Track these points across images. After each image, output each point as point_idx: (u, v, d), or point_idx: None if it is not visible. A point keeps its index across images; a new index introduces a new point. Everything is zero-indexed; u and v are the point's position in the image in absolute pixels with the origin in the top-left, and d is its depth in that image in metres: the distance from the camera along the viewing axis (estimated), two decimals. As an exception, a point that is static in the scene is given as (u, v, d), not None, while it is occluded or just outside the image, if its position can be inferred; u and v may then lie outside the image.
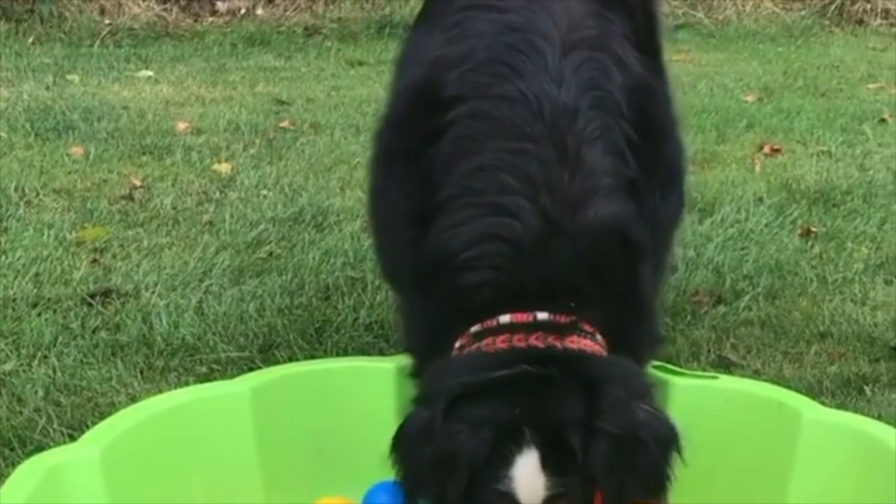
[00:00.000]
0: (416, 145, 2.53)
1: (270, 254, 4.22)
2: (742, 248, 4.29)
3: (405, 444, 2.25)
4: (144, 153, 5.43)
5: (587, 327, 2.27)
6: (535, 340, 2.25)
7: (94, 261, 4.13)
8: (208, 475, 2.39)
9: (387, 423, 2.52)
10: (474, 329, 2.31)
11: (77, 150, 5.40)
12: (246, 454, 2.44)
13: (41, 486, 2.09)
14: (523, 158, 2.37)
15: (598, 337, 2.28)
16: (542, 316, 2.26)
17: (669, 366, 2.60)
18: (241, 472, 2.42)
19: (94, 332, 3.56)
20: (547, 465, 2.13)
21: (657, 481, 2.19)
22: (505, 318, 2.28)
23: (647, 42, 2.74)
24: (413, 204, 2.52)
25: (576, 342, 2.24)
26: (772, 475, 2.37)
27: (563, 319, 2.26)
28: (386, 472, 2.43)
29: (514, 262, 2.30)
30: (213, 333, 3.54)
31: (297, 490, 2.47)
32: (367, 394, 2.55)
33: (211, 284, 3.91)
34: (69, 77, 7.02)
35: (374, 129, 2.97)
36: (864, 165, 5.40)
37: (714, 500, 2.28)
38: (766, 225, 4.54)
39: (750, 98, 6.84)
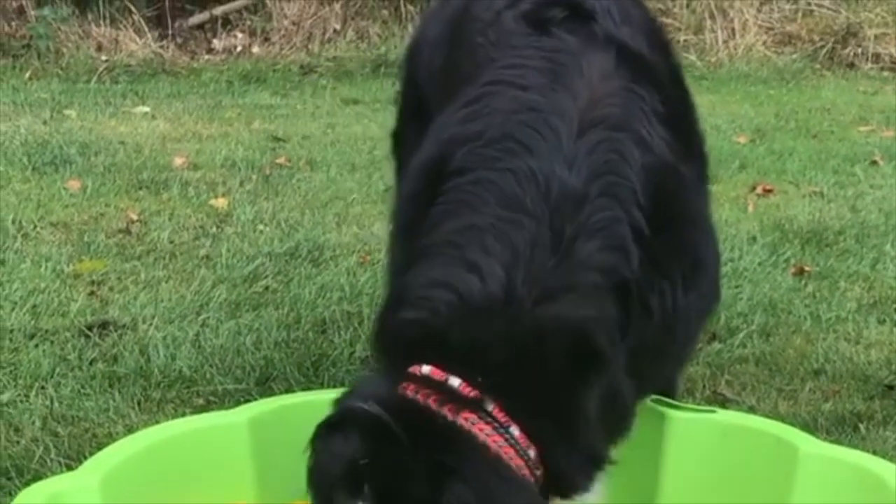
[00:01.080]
0: (417, 218, 2.45)
1: (267, 288, 4.24)
2: (736, 287, 4.32)
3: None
4: (141, 188, 5.46)
5: (498, 414, 2.12)
6: (431, 402, 2.11)
7: (92, 293, 4.15)
8: (206, 500, 2.40)
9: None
10: (402, 371, 2.18)
11: (74, 184, 5.42)
12: (243, 484, 2.44)
13: (43, 512, 2.10)
14: (515, 230, 2.26)
15: (513, 430, 2.13)
16: (454, 382, 2.14)
17: (667, 399, 2.61)
18: (238, 498, 2.43)
19: (91, 363, 3.57)
20: None
21: None
22: (426, 370, 2.16)
23: (677, 115, 2.58)
24: (407, 249, 2.47)
25: (468, 421, 2.11)
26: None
27: (470, 393, 2.13)
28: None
29: (454, 315, 2.18)
30: (210, 366, 3.55)
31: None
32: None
33: (208, 317, 3.93)
34: (66, 112, 7.06)
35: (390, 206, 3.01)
36: (856, 206, 5.44)
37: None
38: (759, 264, 4.57)
39: (742, 139, 6.90)
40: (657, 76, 2.61)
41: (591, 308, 2.23)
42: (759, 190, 5.74)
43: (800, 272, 4.51)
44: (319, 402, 2.61)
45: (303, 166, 5.93)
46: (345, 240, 4.76)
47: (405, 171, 2.84)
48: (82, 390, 3.40)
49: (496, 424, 2.11)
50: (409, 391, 2.13)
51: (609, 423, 2.27)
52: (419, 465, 2.04)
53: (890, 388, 3.54)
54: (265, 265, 4.44)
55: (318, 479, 2.12)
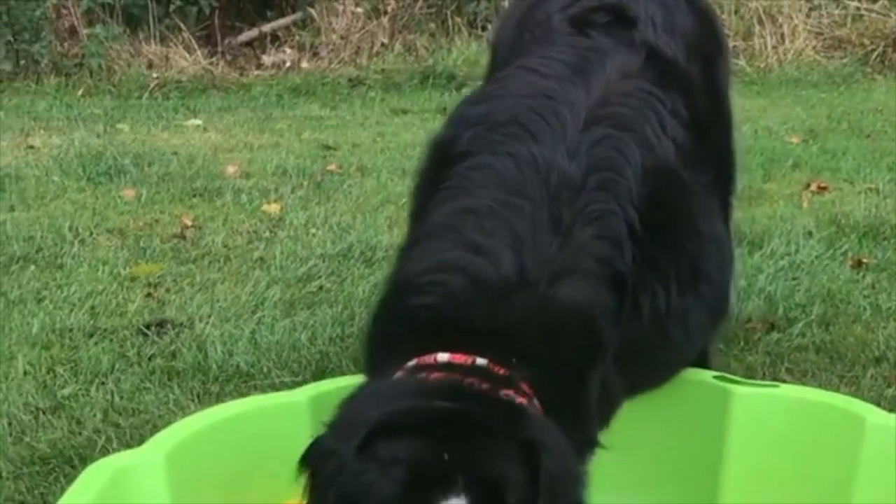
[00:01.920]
0: (423, 199, 2.49)
1: (321, 287, 4.25)
2: (793, 279, 4.28)
3: (311, 477, 2.07)
4: (195, 195, 5.50)
5: (525, 388, 2.11)
6: (471, 384, 2.06)
7: (149, 294, 4.18)
8: (268, 481, 2.39)
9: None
10: (410, 364, 2.15)
11: (129, 193, 5.47)
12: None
13: (106, 488, 2.11)
14: (515, 213, 2.27)
15: (536, 403, 2.11)
16: (482, 362, 2.10)
17: (728, 375, 2.59)
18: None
19: (150, 359, 3.60)
20: None
21: None
22: (443, 357, 2.12)
23: (701, 124, 2.61)
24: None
25: (510, 396, 2.08)
26: (835, 481, 2.35)
27: (501, 371, 2.10)
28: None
29: (471, 298, 2.16)
30: (267, 360, 3.57)
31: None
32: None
33: (263, 316, 3.95)
34: (119, 126, 7.13)
35: None
36: (912, 202, 5.38)
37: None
38: (816, 257, 4.52)
39: (794, 140, 6.84)
40: (686, 83, 2.65)
41: (594, 293, 2.23)
42: (813, 187, 5.68)
43: (857, 264, 4.46)
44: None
45: (353, 172, 5.95)
46: (397, 241, 4.72)
47: None
48: (142, 384, 3.42)
49: (529, 399, 2.10)
50: (442, 376, 2.08)
51: (599, 411, 2.27)
52: (504, 445, 1.98)
53: (952, 373, 3.49)
54: (318, 266, 4.45)
55: (391, 493, 1.93)
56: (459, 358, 2.11)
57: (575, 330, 2.19)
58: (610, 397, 2.31)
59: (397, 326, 2.25)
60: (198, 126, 7.20)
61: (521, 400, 2.08)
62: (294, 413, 2.46)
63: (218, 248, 4.70)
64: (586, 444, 2.23)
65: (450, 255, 2.24)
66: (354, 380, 2.72)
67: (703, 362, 2.70)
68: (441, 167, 2.47)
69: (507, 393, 2.08)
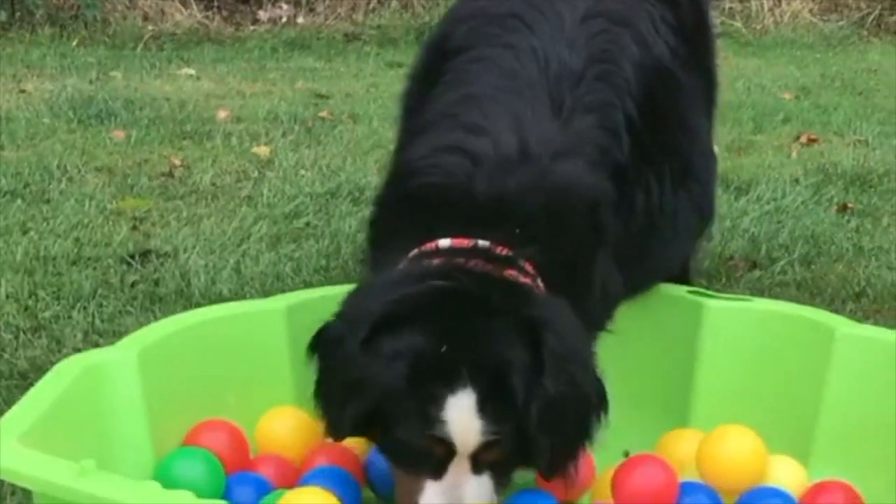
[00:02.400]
0: (418, 95, 2.50)
1: (307, 224, 4.26)
2: (778, 222, 4.29)
3: (320, 361, 2.11)
4: (185, 138, 5.50)
5: (528, 267, 2.10)
6: (473, 266, 2.07)
7: (134, 227, 4.19)
8: (242, 385, 2.41)
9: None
10: (413, 253, 2.14)
11: (119, 134, 5.47)
12: (280, 368, 2.45)
13: (77, 382, 2.12)
14: (515, 97, 2.27)
15: (540, 283, 2.11)
16: (484, 244, 2.10)
17: (702, 290, 2.60)
18: (274, 384, 2.44)
19: (132, 286, 3.61)
20: (485, 408, 1.96)
21: (582, 440, 2.06)
22: (445, 242, 2.12)
23: (689, 33, 2.64)
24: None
25: (514, 276, 2.08)
26: (806, 391, 2.37)
27: (503, 251, 2.10)
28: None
29: (472, 176, 2.16)
30: (251, 289, 3.58)
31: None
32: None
33: (248, 248, 3.96)
34: (112, 74, 7.12)
35: None
36: (901, 154, 5.39)
37: (751, 418, 2.27)
38: (802, 202, 4.54)
39: (787, 96, 6.85)
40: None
41: (596, 176, 2.24)
42: (803, 139, 5.70)
43: (843, 209, 4.47)
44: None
45: (345, 119, 5.95)
46: (386, 182, 4.76)
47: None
48: (124, 308, 3.44)
49: (533, 278, 2.10)
50: (443, 261, 2.09)
51: (601, 306, 2.29)
52: (505, 326, 1.99)
53: (932, 309, 3.51)
54: (306, 204, 4.46)
55: (374, 389, 1.99)
56: (461, 242, 2.11)
57: (578, 208, 2.19)
58: (609, 294, 2.32)
59: (399, 212, 2.26)
60: (191, 75, 7.19)
61: (524, 280, 2.09)
62: (271, 320, 2.47)
63: (206, 186, 4.70)
64: (591, 326, 2.23)
65: (449, 138, 2.24)
66: (335, 290, 2.73)
67: (685, 272, 2.71)
68: (436, 64, 2.47)
69: (510, 273, 2.08)
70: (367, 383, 2.00)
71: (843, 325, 2.40)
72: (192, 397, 2.36)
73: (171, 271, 3.71)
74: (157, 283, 3.64)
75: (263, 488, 2.32)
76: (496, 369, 1.98)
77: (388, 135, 5.61)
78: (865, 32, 9.35)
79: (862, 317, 3.41)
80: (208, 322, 2.41)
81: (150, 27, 8.71)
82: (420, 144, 2.29)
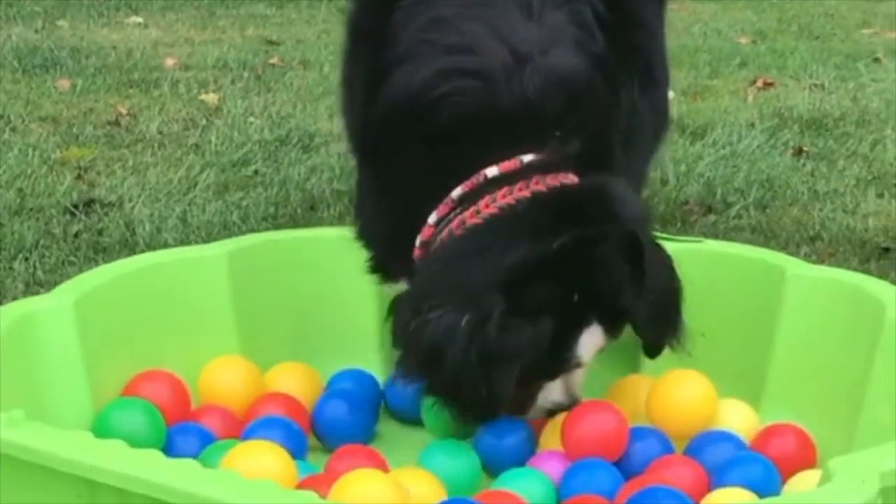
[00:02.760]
0: (377, 22, 2.37)
1: (256, 171, 4.18)
2: (733, 166, 4.25)
3: (438, 357, 2.07)
4: (131, 86, 5.38)
5: (573, 160, 2.16)
6: (538, 186, 2.10)
7: (79, 177, 4.09)
8: (183, 333, 2.35)
9: (364, 292, 2.51)
10: (457, 193, 2.13)
11: (64, 84, 5.35)
12: (222, 316, 2.40)
13: (12, 329, 2.05)
14: (482, 9, 2.23)
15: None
16: (528, 158, 2.12)
17: (657, 234, 2.55)
18: (216, 333, 2.39)
19: (76, 236, 3.53)
20: (607, 332, 2.16)
21: (681, 327, 2.23)
22: (493, 171, 2.12)
23: None
24: (365, 72, 2.36)
25: (570, 179, 2.14)
26: (758, 331, 2.35)
27: (547, 157, 2.13)
28: (356, 344, 2.41)
29: (488, 93, 2.13)
30: (197, 237, 3.50)
31: (272, 354, 2.44)
32: (345, 264, 2.50)
33: (195, 197, 3.87)
34: (59, 23, 6.96)
35: None
36: (857, 97, 5.34)
37: (701, 360, 2.24)
38: (757, 146, 4.49)
39: (744, 40, 6.79)
40: None
41: (585, 61, 2.22)
42: (759, 84, 5.64)
43: (798, 153, 4.44)
44: (300, 238, 2.59)
45: (296, 66, 5.85)
46: (337, 129, 4.67)
47: None
48: (67, 259, 3.36)
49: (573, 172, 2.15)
50: (504, 199, 2.10)
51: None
52: (613, 257, 2.09)
53: (886, 250, 3.48)
54: (254, 151, 4.37)
55: (522, 355, 2.07)
56: (508, 165, 2.12)
57: (586, 88, 2.20)
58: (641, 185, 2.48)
59: (416, 153, 2.19)
60: (139, 23, 7.04)
61: (570, 178, 2.14)
62: (212, 267, 2.41)
63: (152, 134, 4.61)
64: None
65: (440, 63, 2.18)
66: (278, 235, 2.68)
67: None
68: None
69: (565, 177, 2.12)
70: (520, 344, 2.05)
71: (793, 266, 2.37)
72: (131, 346, 2.30)
73: (115, 221, 3.63)
74: (101, 232, 3.56)
75: (206, 439, 2.27)
76: (613, 296, 2.10)
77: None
78: (822, -23, 9.29)
79: (816, 260, 3.37)
80: (147, 269, 2.35)
81: (97, -25, 8.51)
82: (407, 79, 2.20)
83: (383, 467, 2.16)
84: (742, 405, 2.30)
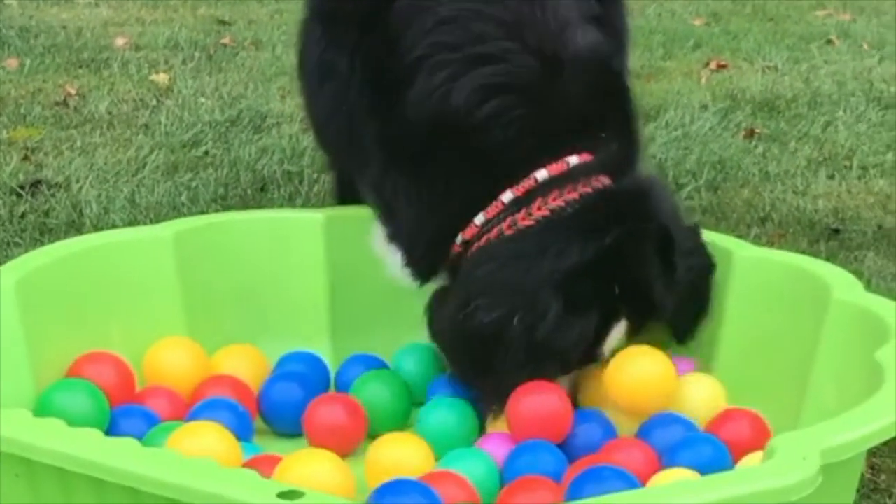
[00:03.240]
0: (364, 9, 2.37)
1: (206, 152, 4.14)
2: (686, 148, 4.26)
3: (486, 346, 2.13)
4: (81, 66, 5.32)
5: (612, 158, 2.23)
6: (585, 188, 2.18)
7: (25, 158, 4.04)
8: (128, 315, 2.33)
9: (313, 274, 2.49)
10: (507, 196, 2.19)
11: (11, 63, 5.28)
12: (167, 297, 2.37)
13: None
14: (485, 3, 2.25)
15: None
16: (573, 160, 2.19)
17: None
18: (161, 314, 2.36)
19: (22, 217, 3.49)
20: (632, 326, 2.21)
21: (707, 310, 2.31)
22: (542, 174, 2.18)
23: None
24: (367, 71, 2.35)
25: (610, 180, 2.22)
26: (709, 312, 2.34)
27: (590, 159, 2.20)
28: (304, 326, 2.39)
29: (530, 108, 2.19)
30: (145, 218, 3.47)
31: (218, 336, 2.41)
32: (294, 244, 2.48)
33: (144, 178, 3.84)
34: (7, 2, 6.85)
35: None
36: (810, 79, 5.36)
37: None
38: (710, 128, 4.50)
39: (697, 22, 6.80)
40: None
41: (594, 34, 2.28)
42: (712, 66, 5.66)
43: (750, 134, 4.45)
44: (247, 220, 2.56)
45: (248, 46, 5.80)
46: (288, 110, 4.65)
47: None
48: (12, 240, 3.32)
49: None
50: (555, 201, 2.16)
51: None
52: (647, 250, 2.14)
53: (836, 231, 3.50)
54: (205, 132, 4.33)
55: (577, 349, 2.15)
56: (555, 168, 2.18)
57: (605, 73, 2.28)
58: None
59: (467, 163, 2.22)
60: (89, 3, 6.95)
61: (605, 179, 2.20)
62: (158, 248, 2.38)
63: (101, 114, 4.56)
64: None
65: (471, 77, 2.20)
66: (223, 217, 2.65)
67: None
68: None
69: (603, 179, 2.19)
70: (564, 337, 2.12)
71: (740, 248, 2.37)
72: (75, 327, 2.27)
73: (62, 202, 3.58)
74: (47, 213, 3.51)
75: (151, 421, 2.24)
76: (645, 290, 2.16)
77: (292, 62, 5.47)
78: (777, -40, 9.32)
79: (766, 242, 3.39)
80: (92, 249, 2.31)
81: (48, -46, 8.41)
82: (442, 89, 2.22)
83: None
84: (709, 380, 2.29)
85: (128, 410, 2.25)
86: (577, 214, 2.16)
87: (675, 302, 2.19)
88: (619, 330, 2.20)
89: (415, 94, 2.25)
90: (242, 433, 2.20)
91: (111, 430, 2.17)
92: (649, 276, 2.14)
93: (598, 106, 2.25)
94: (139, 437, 2.08)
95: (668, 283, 2.16)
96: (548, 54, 2.22)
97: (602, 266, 2.12)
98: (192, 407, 2.27)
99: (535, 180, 2.18)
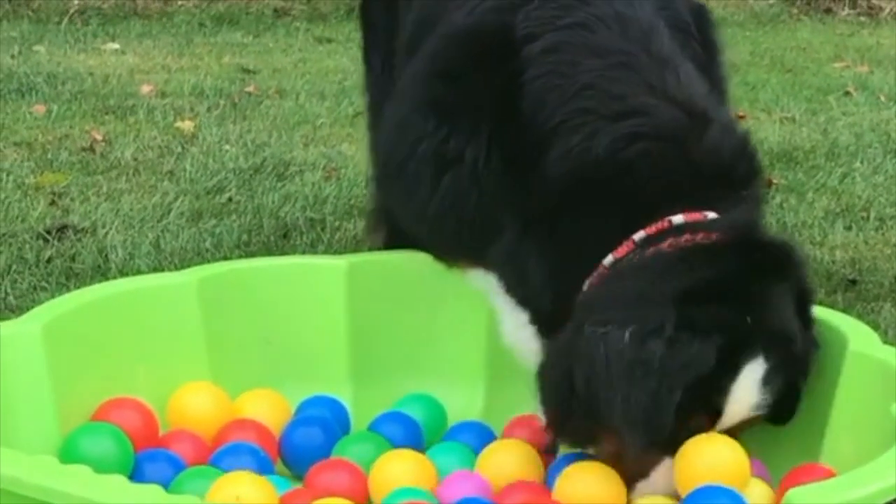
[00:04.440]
0: (482, 97, 2.34)
1: (230, 199, 4.20)
2: (703, 198, 4.28)
3: (597, 371, 2.00)
4: (107, 112, 5.40)
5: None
6: (723, 236, 2.10)
7: (52, 203, 4.10)
8: (153, 360, 2.36)
9: (335, 320, 2.52)
10: (639, 236, 2.12)
11: (39, 109, 5.37)
12: (192, 342, 2.41)
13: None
14: (623, 70, 2.25)
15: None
16: (712, 215, 2.13)
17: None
18: (186, 359, 2.40)
19: (48, 261, 3.54)
20: (768, 381, 2.04)
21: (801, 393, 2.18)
22: (678, 219, 2.11)
23: None
24: (501, 153, 2.32)
25: (774, 240, 2.20)
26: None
27: (731, 214, 2.15)
28: (325, 371, 2.42)
29: (678, 152, 2.15)
30: (170, 264, 3.52)
31: (241, 380, 2.45)
32: (316, 290, 2.52)
33: (168, 224, 3.89)
34: (35, 48, 6.97)
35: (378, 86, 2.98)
36: (828, 130, 5.41)
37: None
38: (728, 178, 4.54)
39: (716, 73, 6.85)
40: None
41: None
42: (730, 117, 5.70)
43: (768, 185, 4.47)
44: (270, 266, 2.61)
45: (272, 94, 5.88)
46: (311, 158, 4.72)
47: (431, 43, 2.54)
48: (39, 284, 3.38)
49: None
50: (688, 243, 2.11)
51: None
52: (787, 297, 2.09)
53: (853, 282, 3.52)
54: (229, 179, 4.39)
55: (693, 369, 1.99)
56: (693, 216, 2.13)
57: (755, 154, 2.28)
58: None
59: (603, 209, 2.19)
60: (116, 50, 7.07)
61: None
62: (183, 294, 2.42)
63: (127, 161, 4.62)
64: None
65: (614, 131, 2.18)
66: (247, 263, 2.70)
67: None
68: (498, 58, 2.33)
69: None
70: (681, 360, 1.98)
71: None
72: (100, 372, 2.31)
73: (88, 247, 3.64)
74: (73, 258, 3.57)
75: (175, 465, 2.27)
76: (784, 340, 2.06)
77: (315, 110, 5.56)
78: (796, 10, 9.39)
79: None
80: (118, 295, 2.36)
81: (75, 1, 8.53)
82: (582, 145, 2.21)
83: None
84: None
85: (152, 455, 2.28)
86: (710, 250, 2.09)
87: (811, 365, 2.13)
88: (754, 372, 2.02)
89: (554, 155, 2.24)
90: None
91: (135, 474, 2.21)
92: (789, 318, 2.07)
93: (741, 165, 2.22)
94: (164, 481, 2.13)
95: (806, 337, 2.10)
96: (693, 110, 2.21)
97: (729, 290, 2.03)
98: (215, 451, 2.30)
99: (670, 222, 2.13)
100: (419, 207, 2.42)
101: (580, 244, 2.19)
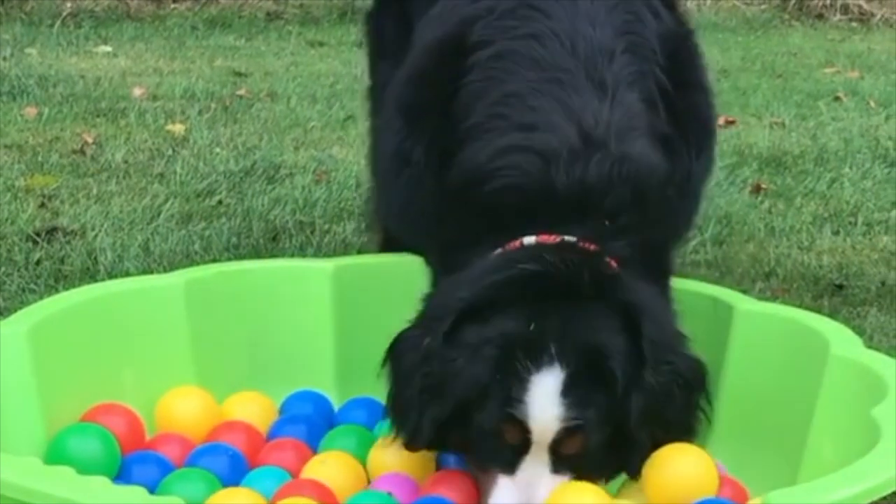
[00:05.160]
0: (441, 98, 2.38)
1: (220, 202, 4.21)
2: (692, 202, 4.30)
3: (395, 368, 2.08)
4: (98, 115, 5.41)
5: (613, 261, 2.09)
6: (563, 260, 2.04)
7: (42, 205, 4.11)
8: (139, 362, 2.37)
9: (321, 322, 2.54)
10: (494, 253, 2.11)
11: (30, 111, 5.38)
12: (178, 345, 2.42)
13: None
14: (556, 86, 2.24)
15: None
16: (570, 239, 2.08)
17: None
18: (173, 362, 2.40)
19: (37, 263, 3.55)
20: (569, 391, 1.93)
21: (685, 428, 2.06)
22: (530, 240, 2.09)
23: (675, 6, 2.64)
24: (435, 153, 2.37)
25: (603, 264, 2.09)
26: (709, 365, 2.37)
27: (591, 246, 2.08)
28: (311, 372, 2.43)
29: (545, 172, 2.13)
30: (159, 266, 3.53)
31: (228, 382, 2.46)
32: (302, 293, 2.53)
33: (158, 226, 3.90)
34: (27, 51, 6.98)
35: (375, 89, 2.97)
36: (817, 135, 5.43)
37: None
38: (716, 183, 4.53)
39: (707, 78, 6.87)
40: None
41: (657, 153, 2.23)
42: (720, 121, 5.70)
43: (756, 189, 4.50)
44: (257, 269, 2.62)
45: (263, 97, 5.89)
46: (301, 161, 4.73)
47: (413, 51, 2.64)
48: (27, 286, 3.38)
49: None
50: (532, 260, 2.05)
51: None
52: (599, 311, 1.98)
53: (839, 287, 3.54)
54: (219, 182, 4.40)
55: (458, 386, 1.97)
56: (547, 238, 2.09)
57: (655, 191, 2.18)
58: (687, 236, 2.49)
59: (470, 219, 2.20)
60: (108, 52, 7.08)
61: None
62: (169, 296, 2.43)
63: (118, 163, 4.63)
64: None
65: (508, 139, 2.19)
66: (234, 266, 2.71)
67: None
68: (451, 63, 2.37)
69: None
70: (451, 378, 1.97)
71: (742, 302, 2.42)
72: (87, 374, 2.32)
73: (77, 249, 3.65)
74: (62, 260, 3.58)
75: (163, 466, 2.28)
76: (590, 352, 1.96)
77: (306, 114, 5.58)
78: (787, 16, 9.42)
79: (770, 296, 3.43)
80: (104, 297, 2.37)
81: (68, 4, 8.54)
82: (476, 149, 2.23)
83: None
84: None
85: (141, 457, 2.28)
86: (523, 260, 2.06)
87: (643, 405, 1.96)
88: (548, 378, 1.93)
89: (461, 156, 2.28)
90: (238, 479, 2.24)
91: (122, 476, 2.21)
92: (600, 343, 1.97)
93: (611, 196, 2.13)
94: (151, 483, 2.14)
95: (628, 369, 1.96)
96: (595, 139, 2.16)
97: (518, 304, 1.99)
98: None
99: (521, 243, 2.12)
100: (388, 205, 2.56)
101: (452, 260, 2.22)
